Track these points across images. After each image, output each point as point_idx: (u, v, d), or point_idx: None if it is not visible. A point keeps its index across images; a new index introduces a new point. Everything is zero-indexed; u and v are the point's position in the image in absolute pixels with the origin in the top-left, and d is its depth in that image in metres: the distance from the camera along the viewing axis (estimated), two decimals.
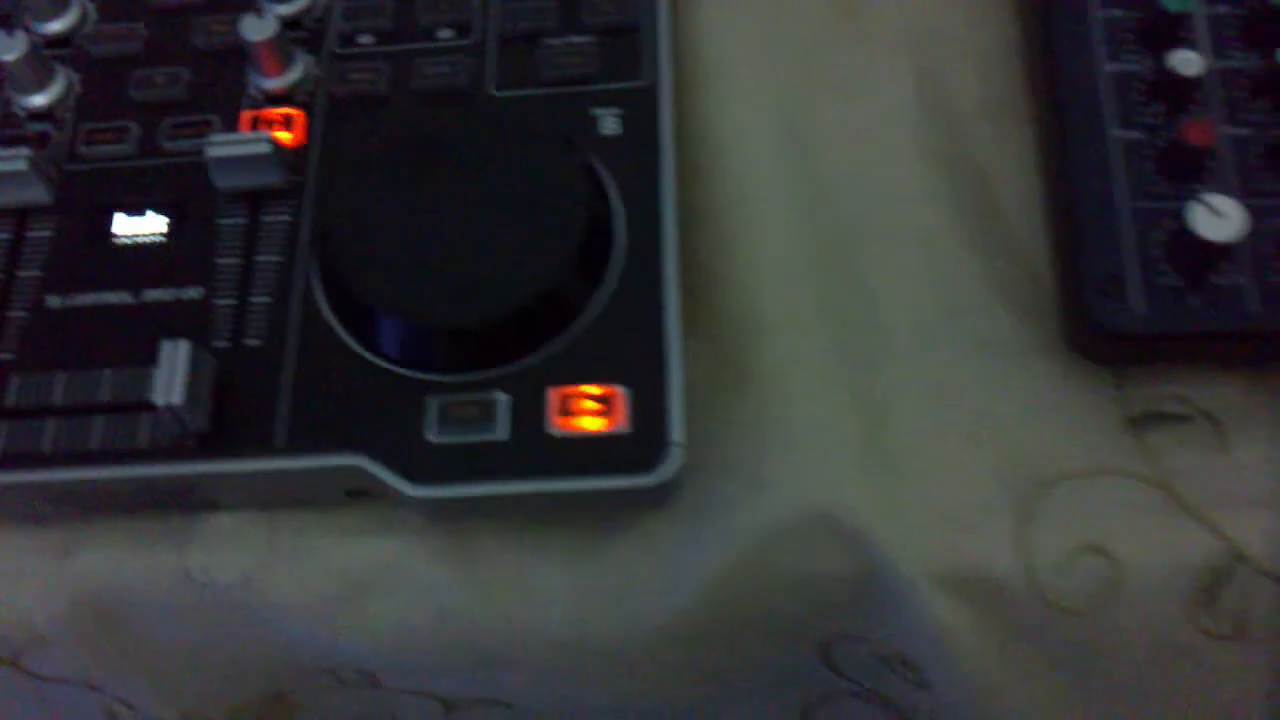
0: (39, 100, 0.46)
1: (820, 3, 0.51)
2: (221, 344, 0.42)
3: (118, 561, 0.44)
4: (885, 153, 0.48)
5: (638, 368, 0.40)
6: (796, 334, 0.45)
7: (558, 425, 0.40)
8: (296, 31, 0.48)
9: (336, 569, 0.43)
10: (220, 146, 0.43)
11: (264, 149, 0.43)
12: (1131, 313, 0.41)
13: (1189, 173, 0.41)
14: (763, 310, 0.45)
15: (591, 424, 0.39)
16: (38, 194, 0.44)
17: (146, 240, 0.44)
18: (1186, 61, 0.42)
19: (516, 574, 0.43)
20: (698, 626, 0.44)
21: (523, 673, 0.47)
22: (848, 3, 0.51)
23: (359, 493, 0.42)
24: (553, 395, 0.40)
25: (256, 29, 0.45)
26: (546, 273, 0.40)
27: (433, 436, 0.40)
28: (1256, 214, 0.41)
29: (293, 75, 0.46)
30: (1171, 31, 0.43)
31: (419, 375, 0.41)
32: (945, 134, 0.48)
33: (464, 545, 0.43)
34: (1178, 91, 0.42)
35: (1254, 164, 0.42)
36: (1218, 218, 0.39)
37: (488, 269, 0.40)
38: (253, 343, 0.42)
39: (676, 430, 0.39)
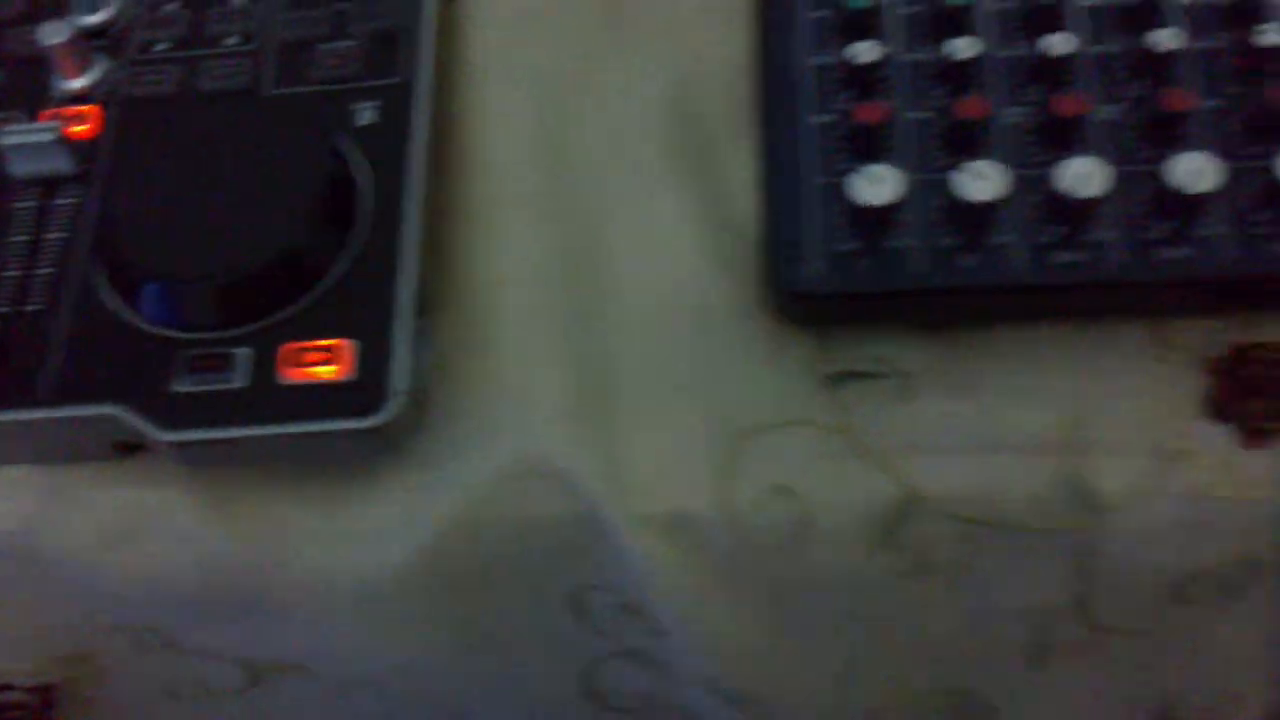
0: None
1: (585, 13, 0.56)
2: (4, 309, 0.47)
3: None
4: (632, 145, 0.53)
5: (370, 325, 0.45)
6: (532, 302, 0.50)
7: (290, 375, 0.44)
8: (101, 39, 0.53)
9: (108, 518, 0.48)
10: (11, 135, 0.49)
11: (49, 137, 0.48)
12: (810, 274, 0.46)
13: (867, 150, 0.46)
14: (504, 281, 0.50)
15: (321, 372, 0.44)
16: None
17: None
18: (866, 51, 0.47)
19: (271, 521, 0.48)
20: (437, 569, 0.48)
21: (290, 622, 0.51)
22: (611, 12, 0.56)
23: (128, 446, 0.47)
24: (287, 348, 0.45)
25: (51, 33, 0.50)
26: (283, 238, 0.45)
27: (179, 386, 0.45)
28: (922, 184, 0.46)
29: (91, 77, 0.52)
30: (861, 26, 0.48)
31: (174, 334, 0.46)
32: (690, 130, 0.53)
33: (225, 495, 0.48)
34: (860, 79, 0.47)
35: (928, 140, 0.47)
36: (876, 185, 0.44)
37: (234, 237, 0.45)
38: (33, 308, 0.47)
39: (399, 379, 0.44)
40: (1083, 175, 0.44)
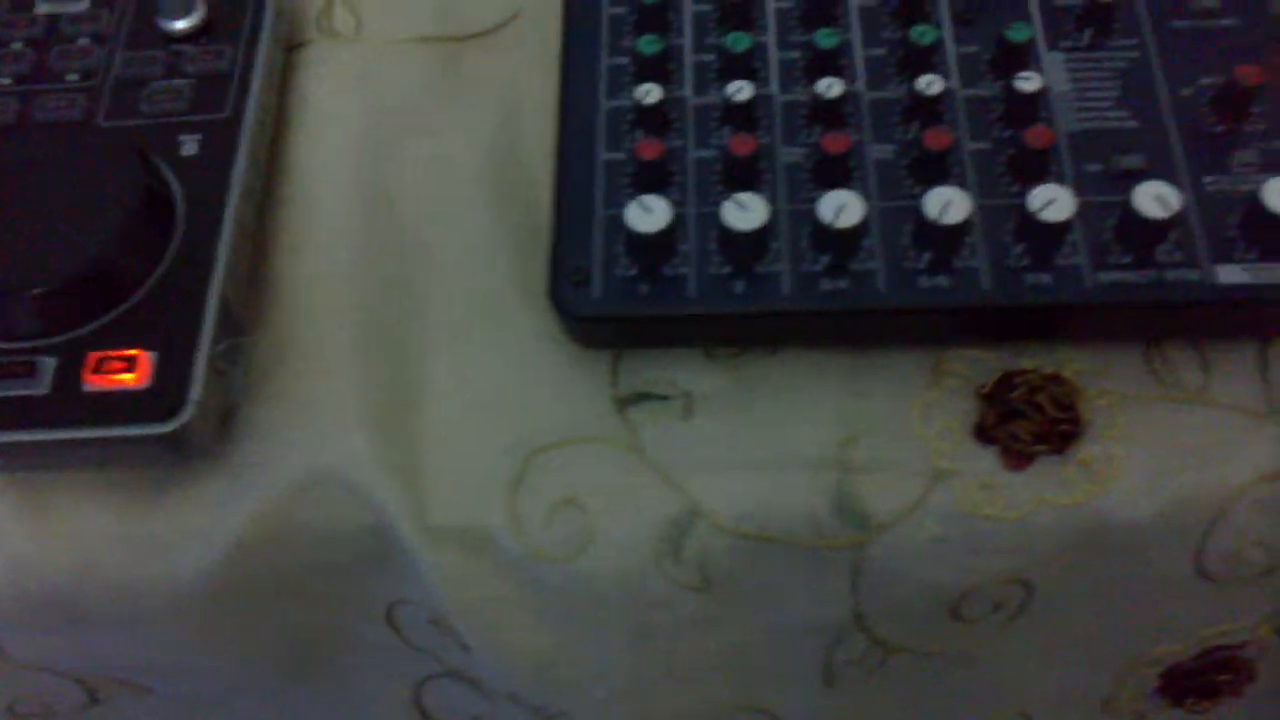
0: None
1: (421, 57, 0.59)
2: None
3: None
4: (456, 183, 0.56)
5: (172, 338, 0.48)
6: (345, 322, 0.52)
7: (92, 382, 0.47)
8: None
9: None
10: None
11: None
12: (590, 299, 0.48)
13: (649, 183, 0.49)
14: (317, 302, 0.52)
15: (121, 380, 0.47)
16: None
17: None
18: (650, 93, 0.50)
19: (81, 525, 0.50)
20: (241, 578, 0.50)
21: (109, 632, 0.53)
22: (448, 59, 0.59)
23: None
24: (91, 356, 0.47)
25: None
26: (95, 254, 0.48)
27: None
28: (699, 215, 0.49)
29: None
30: (652, 70, 0.52)
31: None
32: (512, 169, 0.56)
33: (38, 500, 0.50)
34: (647, 119, 0.51)
35: (710, 175, 0.50)
36: (647, 214, 0.47)
37: (50, 252, 0.48)
38: None
39: (195, 389, 0.47)
40: (843, 206, 0.47)
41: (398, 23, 0.60)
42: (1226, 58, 0.51)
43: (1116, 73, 0.52)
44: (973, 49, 0.53)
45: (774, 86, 0.52)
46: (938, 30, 0.51)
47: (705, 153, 0.51)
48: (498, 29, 0.61)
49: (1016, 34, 0.50)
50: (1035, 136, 0.48)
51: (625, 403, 0.50)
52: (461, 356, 0.52)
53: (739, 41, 0.51)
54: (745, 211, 0.47)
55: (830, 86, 0.50)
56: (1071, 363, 0.50)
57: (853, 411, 0.49)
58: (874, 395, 0.50)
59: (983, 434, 0.49)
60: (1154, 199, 0.46)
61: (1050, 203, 0.46)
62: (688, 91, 0.52)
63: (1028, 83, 0.49)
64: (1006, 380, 0.49)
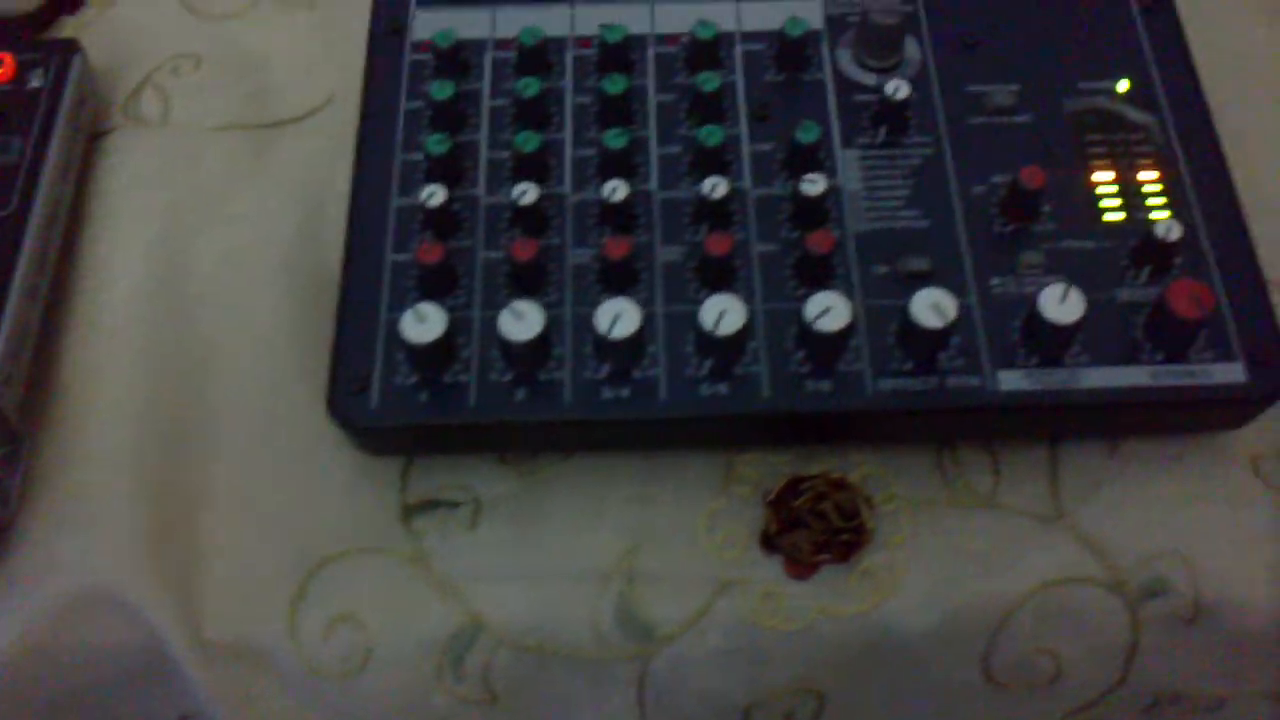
0: None
1: (229, 145, 0.58)
2: None
3: None
4: (255, 278, 0.55)
5: None
6: (130, 425, 0.51)
7: None
8: None
9: None
10: None
11: None
12: (368, 409, 0.47)
13: (432, 288, 0.49)
14: (103, 403, 0.51)
15: None
16: None
17: None
18: (435, 194, 0.49)
19: None
20: (13, 696, 0.48)
21: None
22: (258, 147, 0.58)
23: None
24: None
25: None
26: None
27: None
28: (484, 320, 0.49)
29: None
30: (450, 168, 0.51)
31: None
32: (312, 263, 0.55)
33: None
34: (434, 220, 0.50)
35: (494, 278, 0.49)
36: (422, 323, 0.46)
37: None
38: None
39: None
40: (619, 315, 0.46)
41: (208, 108, 0.59)
42: (1019, 155, 0.51)
43: (910, 170, 0.52)
44: (766, 147, 0.52)
45: (567, 186, 0.51)
46: (724, 131, 0.50)
47: (495, 253, 0.50)
48: (311, 114, 0.60)
49: (805, 135, 0.50)
50: (817, 242, 0.48)
51: (413, 510, 0.49)
52: (247, 461, 0.50)
53: (528, 141, 0.50)
54: (521, 321, 0.46)
55: (615, 190, 0.49)
56: (863, 465, 0.50)
57: (640, 519, 0.49)
58: (662, 501, 0.49)
59: (768, 543, 0.48)
60: (931, 308, 0.46)
61: (826, 311, 0.46)
62: (480, 191, 0.51)
63: (813, 186, 0.49)
64: (792, 487, 0.49)
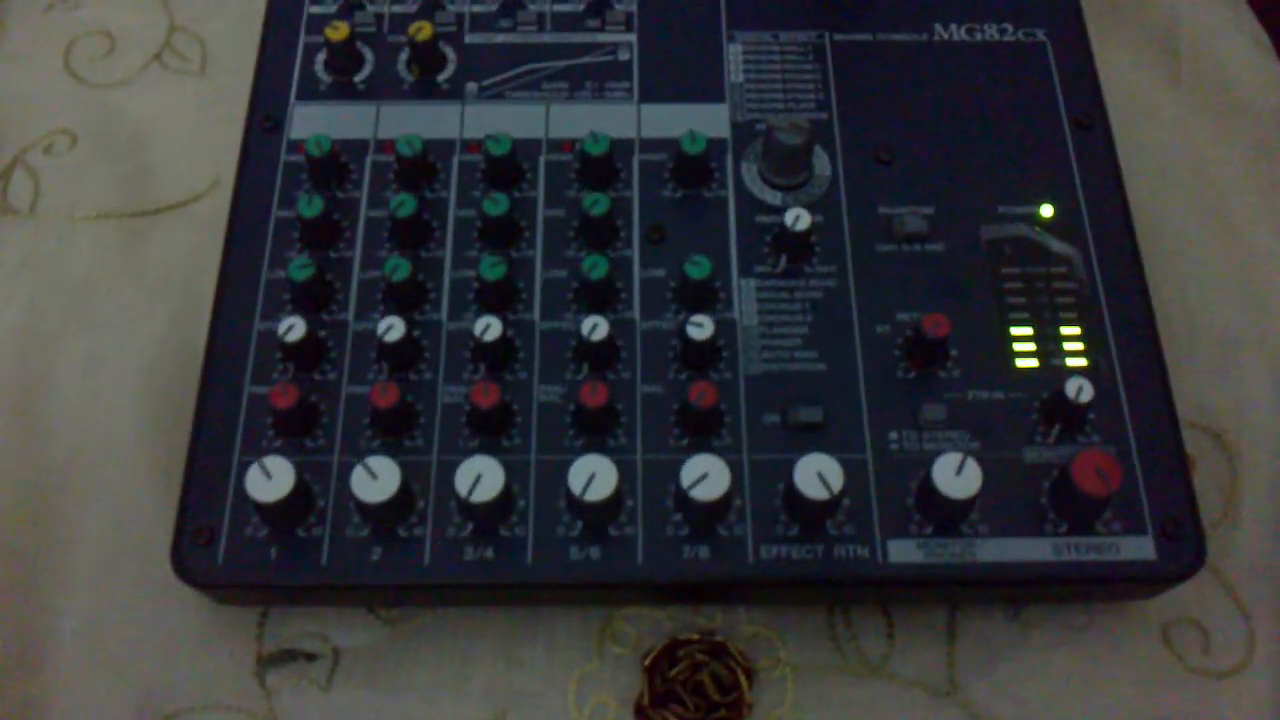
0: None
1: (100, 236, 0.54)
2: None
3: None
4: (118, 389, 0.51)
5: None
6: None
7: None
8: None
9: None
10: None
11: None
12: (213, 564, 0.44)
13: (288, 430, 0.45)
14: None
15: None
16: None
17: None
18: (294, 328, 0.46)
19: None
20: None
21: None
22: (132, 238, 0.54)
23: None
24: None
25: None
26: None
27: None
28: (344, 466, 0.45)
29: None
30: (315, 294, 0.47)
31: None
32: (179, 373, 0.51)
33: None
34: (294, 353, 0.46)
35: (356, 420, 0.45)
36: (269, 478, 0.43)
37: None
38: None
39: None
40: (480, 476, 0.43)
41: (81, 192, 0.56)
42: (929, 290, 0.48)
43: (811, 304, 0.48)
44: (659, 273, 0.49)
45: (443, 313, 0.48)
46: (608, 263, 0.46)
47: (361, 388, 0.46)
48: (191, 201, 0.56)
49: (695, 270, 0.46)
50: (700, 395, 0.44)
51: (268, 663, 0.46)
52: (96, 596, 0.47)
53: (398, 269, 0.47)
54: (375, 482, 0.42)
55: (488, 328, 0.45)
56: (750, 624, 0.46)
57: (507, 683, 0.46)
58: (533, 664, 0.46)
59: (641, 714, 0.45)
60: (816, 478, 0.43)
61: (703, 478, 0.42)
62: (350, 316, 0.48)
63: (700, 330, 0.45)
64: (670, 652, 0.45)
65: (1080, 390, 0.44)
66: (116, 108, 0.59)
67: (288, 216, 0.50)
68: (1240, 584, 0.47)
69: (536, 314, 0.48)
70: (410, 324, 0.47)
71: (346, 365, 0.47)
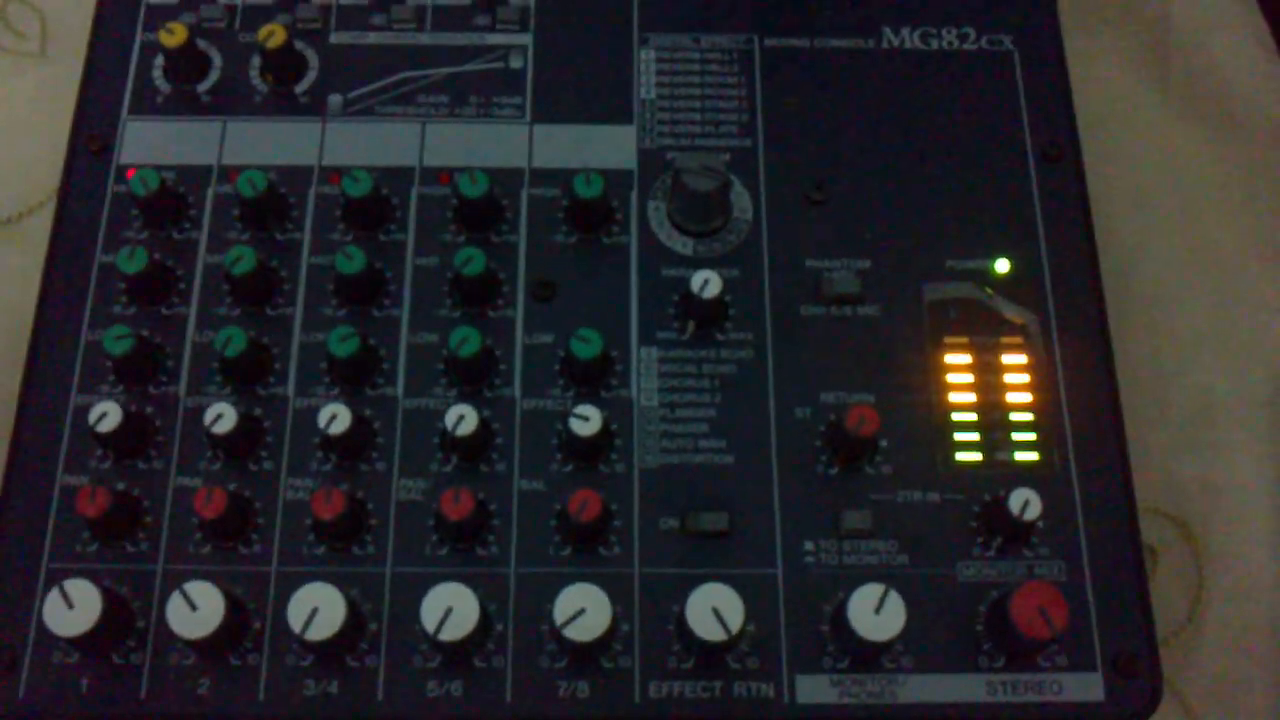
0: None
1: None
2: None
3: None
4: None
5: None
6: None
7: None
8: None
9: None
10: None
11: None
12: (15, 694, 0.37)
13: (106, 532, 0.39)
14: None
15: None
16: None
17: None
18: (102, 415, 0.39)
19: None
20: None
21: None
22: None
23: None
24: None
25: None
26: None
27: None
28: (171, 575, 0.39)
29: None
30: (138, 367, 0.40)
31: None
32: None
33: None
34: (110, 442, 0.39)
35: (182, 521, 0.39)
36: (68, 610, 0.36)
37: None
38: None
39: None
40: (314, 608, 0.36)
41: None
42: (861, 362, 0.42)
43: (720, 381, 0.41)
44: (546, 339, 0.41)
45: (289, 386, 0.41)
46: (480, 337, 0.39)
47: (191, 480, 0.39)
48: (23, 216, 0.48)
49: (582, 349, 0.39)
50: (581, 505, 0.37)
51: None
52: None
53: (232, 342, 0.39)
54: (194, 613, 0.36)
55: (334, 420, 0.38)
56: None
57: None
58: None
59: None
60: (711, 615, 0.36)
61: (579, 614, 0.36)
62: (181, 389, 0.41)
63: (585, 425, 0.39)
64: None
65: (1026, 506, 0.38)
66: None
67: (109, 261, 0.42)
68: (1202, 707, 0.41)
69: (400, 389, 0.41)
70: (250, 401, 0.40)
71: (176, 450, 0.40)
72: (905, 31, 0.46)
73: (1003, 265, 0.43)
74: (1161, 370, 0.46)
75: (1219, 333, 0.47)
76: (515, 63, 0.45)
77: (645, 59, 0.46)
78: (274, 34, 0.44)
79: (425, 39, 0.46)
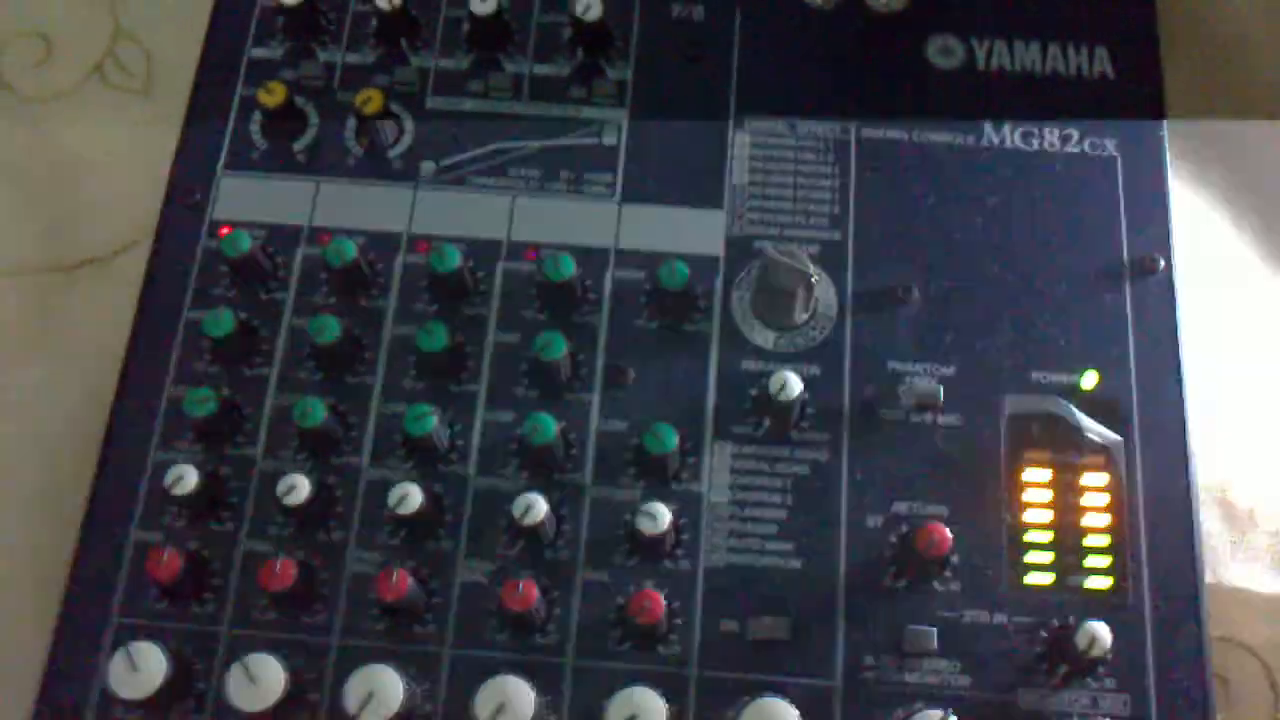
0: None
1: (13, 296, 0.48)
2: None
3: None
4: (15, 483, 0.45)
5: None
6: None
7: None
8: None
9: None
10: None
11: None
12: None
13: (176, 591, 0.39)
14: None
15: None
16: None
17: None
18: (179, 477, 0.39)
19: None
20: None
21: None
22: (44, 296, 0.48)
23: None
24: None
25: None
26: None
27: None
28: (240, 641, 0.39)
29: None
30: (217, 429, 0.41)
31: None
32: (79, 470, 0.45)
33: None
34: (188, 506, 0.40)
35: (251, 590, 0.39)
36: (133, 673, 0.37)
37: None
38: None
39: None
40: (370, 693, 0.37)
41: None
42: (937, 473, 0.41)
43: (793, 482, 0.41)
44: (620, 426, 0.41)
45: (364, 457, 0.41)
46: (553, 426, 0.39)
47: (262, 545, 0.40)
48: (123, 250, 0.49)
49: (654, 444, 0.39)
50: (642, 607, 0.37)
51: None
52: None
53: (309, 414, 0.40)
54: (253, 687, 0.37)
55: (405, 499, 0.39)
56: None
57: None
58: None
59: None
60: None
61: None
62: (258, 452, 0.41)
63: (651, 523, 0.38)
64: None
65: (1093, 643, 0.37)
66: (49, 133, 0.52)
67: (201, 319, 0.42)
68: None
69: (471, 467, 0.41)
70: (325, 470, 0.40)
71: (248, 513, 0.41)
72: (1007, 128, 0.45)
73: (1089, 380, 0.42)
74: (1233, 504, 0.45)
75: None
76: (609, 138, 0.45)
77: (740, 142, 0.45)
78: (370, 100, 0.44)
79: (520, 108, 0.46)
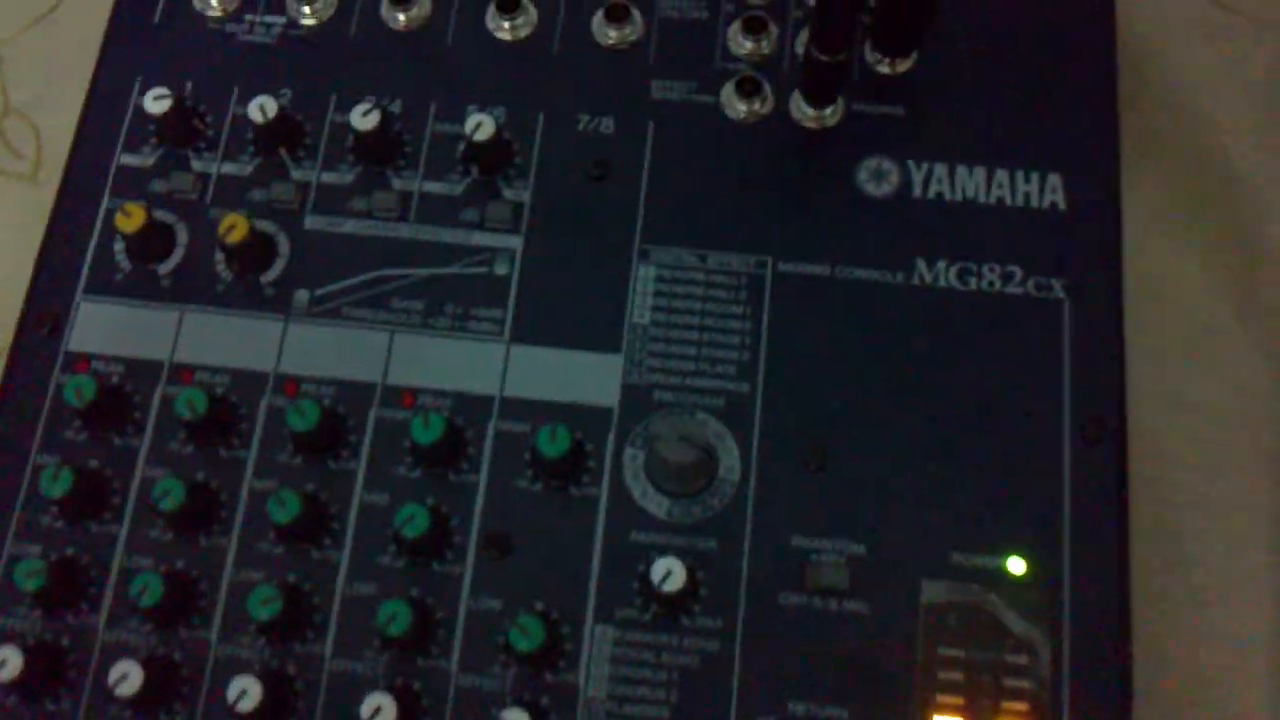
0: None
1: None
2: None
3: None
4: None
5: None
6: None
7: None
8: None
9: None
10: None
11: None
12: None
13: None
14: None
15: None
16: None
17: None
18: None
19: None
20: None
21: None
22: None
23: None
24: None
25: None
26: None
27: None
28: None
29: None
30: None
31: None
32: None
33: None
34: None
35: None
36: None
37: None
38: None
39: None
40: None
41: None
42: (839, 668, 0.38)
43: (680, 674, 0.37)
44: (494, 604, 0.37)
45: (212, 630, 0.37)
46: (410, 612, 0.36)
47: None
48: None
49: (521, 642, 0.35)
50: None
51: None
52: None
53: (148, 591, 0.36)
54: None
55: (243, 695, 0.35)
56: None
57: None
58: None
59: None
60: None
61: None
62: (100, 622, 0.38)
63: None
64: None
65: None
66: None
67: (49, 464, 0.39)
68: None
69: (328, 650, 0.37)
70: (170, 644, 0.36)
71: (87, 693, 0.37)
72: (941, 265, 0.41)
73: (1016, 566, 0.37)
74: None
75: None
76: (500, 268, 0.41)
77: (644, 276, 0.41)
78: (235, 228, 0.40)
79: (406, 231, 0.42)
